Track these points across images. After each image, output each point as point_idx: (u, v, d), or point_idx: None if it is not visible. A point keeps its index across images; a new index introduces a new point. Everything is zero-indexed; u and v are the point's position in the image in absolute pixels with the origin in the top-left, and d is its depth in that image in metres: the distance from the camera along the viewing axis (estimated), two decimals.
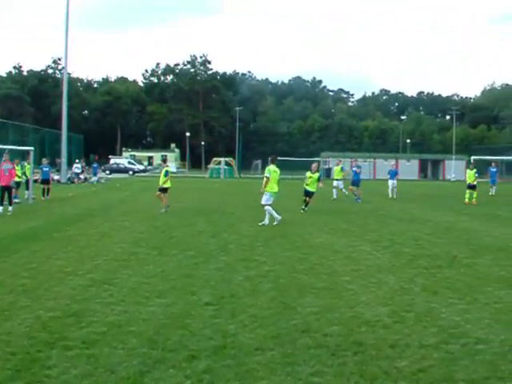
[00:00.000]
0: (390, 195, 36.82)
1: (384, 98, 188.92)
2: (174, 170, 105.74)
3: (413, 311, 8.78)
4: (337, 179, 35.52)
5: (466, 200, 32.72)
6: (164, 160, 27.59)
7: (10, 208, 23.60)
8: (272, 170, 20.04)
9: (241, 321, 8.12)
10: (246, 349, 6.95)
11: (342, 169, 35.83)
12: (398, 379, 6.06)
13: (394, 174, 37.57)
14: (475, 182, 32.80)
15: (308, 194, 24.88)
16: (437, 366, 6.44)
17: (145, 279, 10.87)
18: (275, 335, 7.49)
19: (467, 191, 33.27)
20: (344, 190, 35.02)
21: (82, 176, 57.21)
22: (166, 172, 25.22)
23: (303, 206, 24.97)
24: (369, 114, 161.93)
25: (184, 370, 6.25)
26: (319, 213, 24.20)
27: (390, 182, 37.24)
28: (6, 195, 23.67)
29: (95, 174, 58.52)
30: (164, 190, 24.97)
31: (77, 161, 59.81)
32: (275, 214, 19.91)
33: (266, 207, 19.96)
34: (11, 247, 14.59)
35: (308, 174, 25.01)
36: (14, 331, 7.52)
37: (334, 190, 34.33)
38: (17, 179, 27.19)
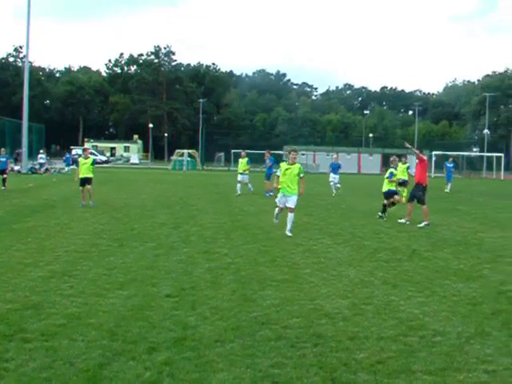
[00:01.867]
0: (334, 192, 33.76)
1: (347, 92, 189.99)
2: (137, 162, 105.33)
3: (372, 304, 8.87)
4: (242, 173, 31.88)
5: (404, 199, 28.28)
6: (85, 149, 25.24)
7: None
8: (284, 169, 16.63)
9: (201, 313, 8.13)
10: (206, 341, 6.97)
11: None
12: (357, 371, 6.13)
13: (336, 167, 34.84)
14: (406, 178, 28.35)
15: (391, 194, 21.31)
16: (395, 358, 6.53)
17: (105, 271, 10.81)
18: (235, 327, 7.51)
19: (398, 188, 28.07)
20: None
21: (48, 166, 56.69)
22: (93, 161, 23.67)
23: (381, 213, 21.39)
24: (332, 108, 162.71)
25: (144, 361, 6.24)
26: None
27: (332, 177, 34.41)
28: None
29: (68, 165, 57.81)
30: (90, 181, 23.04)
31: (41, 151, 59.13)
32: (276, 216, 17.39)
33: (276, 211, 17.28)
34: None
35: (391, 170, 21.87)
36: None
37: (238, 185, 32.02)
38: None
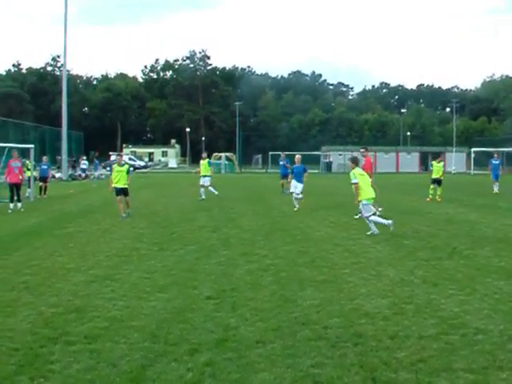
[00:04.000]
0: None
1: (384, 91, 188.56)
2: (175, 166, 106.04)
3: (412, 303, 8.81)
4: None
5: (430, 197, 28.45)
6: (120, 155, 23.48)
7: (20, 204, 23.79)
8: (358, 174, 16.91)
9: (242, 314, 8.18)
10: (247, 342, 7.01)
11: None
12: (398, 370, 6.10)
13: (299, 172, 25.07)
14: (442, 177, 28.70)
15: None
16: (436, 357, 6.48)
17: (146, 274, 10.94)
18: (276, 328, 7.54)
19: (431, 186, 28.82)
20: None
21: (88, 172, 57.78)
22: (128, 170, 21.58)
23: None
24: (369, 107, 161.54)
25: (186, 363, 6.31)
26: (319, 207, 24.23)
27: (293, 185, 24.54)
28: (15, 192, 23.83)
29: (96, 171, 59.12)
30: (126, 192, 21.10)
31: (84, 157, 60.25)
32: (384, 221, 16.60)
33: (371, 218, 16.64)
34: (13, 244, 14.66)
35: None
36: (17, 327, 7.58)
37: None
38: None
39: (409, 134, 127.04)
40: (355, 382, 5.81)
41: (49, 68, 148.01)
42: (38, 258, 12.72)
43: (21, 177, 24.65)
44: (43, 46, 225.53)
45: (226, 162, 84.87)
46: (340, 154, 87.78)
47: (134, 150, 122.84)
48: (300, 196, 23.87)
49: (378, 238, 15.74)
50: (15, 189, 23.75)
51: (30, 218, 20.66)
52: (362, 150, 22.27)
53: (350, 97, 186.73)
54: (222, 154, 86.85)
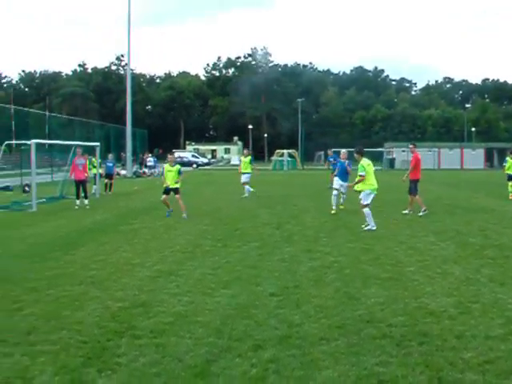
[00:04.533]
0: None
1: (448, 86, 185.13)
2: (238, 163, 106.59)
3: (479, 302, 8.67)
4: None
5: (511, 195, 27.25)
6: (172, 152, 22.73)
7: (86, 201, 24.28)
8: (366, 165, 16.82)
9: (305, 311, 8.17)
10: (311, 339, 7.01)
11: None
12: (465, 370, 6.01)
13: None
14: None
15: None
16: (504, 358, 6.37)
17: (210, 270, 11.03)
18: (340, 325, 7.52)
19: (509, 183, 27.76)
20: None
21: (155, 169, 58.78)
22: (180, 170, 20.74)
23: None
24: (432, 102, 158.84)
25: (250, 359, 6.35)
26: (382, 203, 23.96)
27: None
28: (82, 189, 24.35)
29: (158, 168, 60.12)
30: (176, 191, 20.52)
31: (150, 155, 61.35)
32: (372, 222, 16.69)
33: (366, 210, 16.63)
34: (79, 240, 14.97)
35: None
36: (85, 321, 7.75)
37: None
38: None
39: (473, 129, 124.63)
40: (420, 381, 5.75)
41: (113, 67, 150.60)
42: (103, 253, 12.97)
43: (86, 174, 25.14)
44: (108, 46, 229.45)
45: (289, 159, 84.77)
46: (403, 151, 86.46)
47: (196, 147, 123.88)
48: (344, 196, 22.73)
49: (443, 235, 15.52)
50: (81, 186, 24.24)
51: (96, 215, 21.05)
52: (410, 146, 22.51)
53: (413, 92, 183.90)
54: (285, 151, 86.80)
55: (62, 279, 10.29)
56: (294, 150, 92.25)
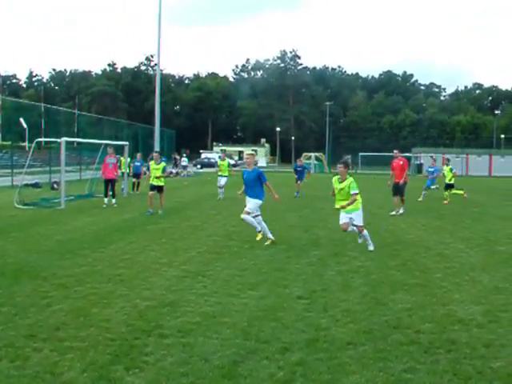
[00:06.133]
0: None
1: (477, 91, 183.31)
2: (264, 165, 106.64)
3: (508, 311, 8.57)
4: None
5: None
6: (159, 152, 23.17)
7: (114, 200, 24.38)
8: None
9: (333, 315, 8.14)
10: (338, 343, 6.97)
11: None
12: (493, 380, 5.93)
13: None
14: None
15: None
16: None
17: (237, 272, 11.04)
18: (367, 330, 7.48)
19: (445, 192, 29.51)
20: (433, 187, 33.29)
21: (189, 169, 59.44)
22: (164, 168, 21.90)
23: None
24: (461, 108, 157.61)
25: (277, 361, 6.33)
26: (411, 210, 23.80)
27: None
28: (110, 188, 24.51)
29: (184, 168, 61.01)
30: (160, 190, 21.47)
31: (184, 155, 62.19)
32: (370, 241, 14.10)
33: (366, 232, 14.08)
34: (107, 238, 15.06)
35: None
36: (113, 318, 7.79)
37: None
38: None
39: (503, 136, 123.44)
40: None
41: (142, 67, 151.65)
42: (131, 252, 13.04)
43: (116, 173, 25.29)
44: (137, 46, 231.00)
45: (316, 162, 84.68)
46: (431, 156, 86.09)
47: (223, 148, 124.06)
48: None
49: (471, 242, 15.39)
50: (110, 184, 24.37)
51: (124, 213, 21.16)
52: (396, 152, 23.53)
53: (442, 97, 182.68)
54: (312, 154, 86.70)
55: (91, 276, 10.36)
56: (321, 154, 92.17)
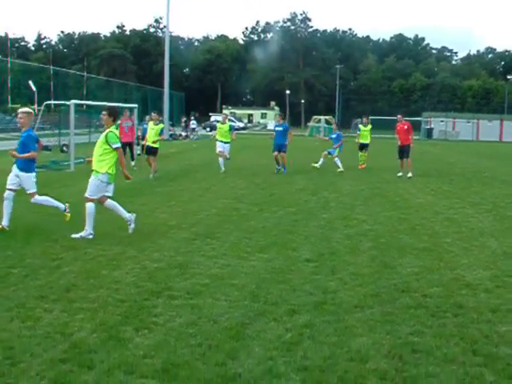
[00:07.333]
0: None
1: (489, 56, 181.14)
2: (273, 128, 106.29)
3: None
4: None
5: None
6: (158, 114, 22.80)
7: (133, 163, 24.32)
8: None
9: (341, 278, 8.18)
10: (346, 306, 7.01)
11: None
12: (500, 344, 5.94)
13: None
14: None
15: None
16: None
17: (246, 234, 11.08)
18: (375, 294, 7.51)
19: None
20: None
21: (197, 131, 59.37)
22: (162, 130, 21.74)
23: None
24: (473, 73, 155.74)
25: (285, 323, 6.37)
26: (420, 174, 23.73)
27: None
28: (128, 150, 24.37)
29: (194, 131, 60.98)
30: (154, 152, 21.39)
31: (192, 117, 61.84)
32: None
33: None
34: (117, 201, 14.97)
35: None
36: (122, 280, 7.85)
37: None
38: None
39: None
40: (455, 353, 5.69)
41: (151, 30, 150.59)
42: (141, 214, 12.95)
43: (133, 135, 25.15)
44: (146, 9, 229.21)
45: (325, 125, 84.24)
46: (442, 121, 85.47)
47: (233, 111, 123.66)
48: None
49: (481, 208, 15.34)
50: (127, 147, 24.19)
51: (133, 176, 21.08)
52: (399, 116, 24.16)
53: (454, 62, 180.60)
54: (322, 117, 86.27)
55: (100, 239, 10.42)
56: (330, 117, 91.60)
